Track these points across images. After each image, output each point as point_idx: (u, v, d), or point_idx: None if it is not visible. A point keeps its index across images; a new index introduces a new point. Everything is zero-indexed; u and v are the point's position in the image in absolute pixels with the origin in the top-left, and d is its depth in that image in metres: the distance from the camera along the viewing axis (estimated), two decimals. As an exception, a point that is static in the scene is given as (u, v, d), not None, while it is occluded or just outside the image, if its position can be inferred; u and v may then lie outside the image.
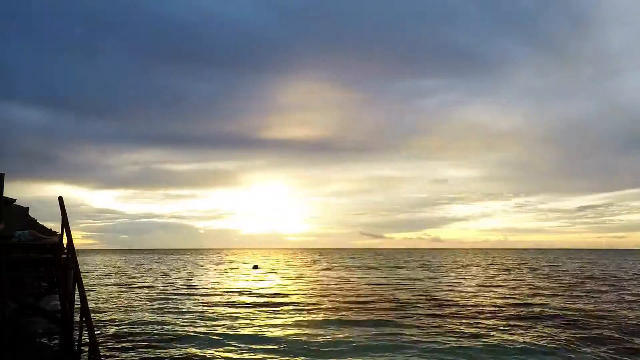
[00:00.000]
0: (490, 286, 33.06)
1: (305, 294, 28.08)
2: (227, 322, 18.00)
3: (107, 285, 35.21)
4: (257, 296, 27.02)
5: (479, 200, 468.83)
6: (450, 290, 30.30)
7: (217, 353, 13.22)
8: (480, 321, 18.05)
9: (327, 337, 15.15)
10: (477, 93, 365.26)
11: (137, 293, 28.85)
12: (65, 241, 10.25)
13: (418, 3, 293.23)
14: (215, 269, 58.98)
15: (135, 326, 17.02)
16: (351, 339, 14.71)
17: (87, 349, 10.07)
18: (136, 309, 21.61)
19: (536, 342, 14.30)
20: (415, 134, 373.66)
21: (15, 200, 14.21)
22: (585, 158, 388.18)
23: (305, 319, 18.88)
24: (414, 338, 14.92)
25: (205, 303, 23.70)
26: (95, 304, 22.88)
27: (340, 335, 15.29)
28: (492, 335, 15.34)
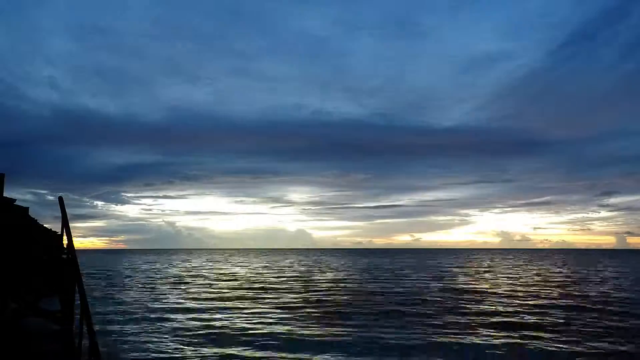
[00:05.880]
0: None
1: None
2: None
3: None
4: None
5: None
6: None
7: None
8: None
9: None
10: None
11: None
12: (65, 241, 10.19)
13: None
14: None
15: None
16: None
17: (87, 350, 10.01)
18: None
19: None
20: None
21: (15, 200, 14.15)
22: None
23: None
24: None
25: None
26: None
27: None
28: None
